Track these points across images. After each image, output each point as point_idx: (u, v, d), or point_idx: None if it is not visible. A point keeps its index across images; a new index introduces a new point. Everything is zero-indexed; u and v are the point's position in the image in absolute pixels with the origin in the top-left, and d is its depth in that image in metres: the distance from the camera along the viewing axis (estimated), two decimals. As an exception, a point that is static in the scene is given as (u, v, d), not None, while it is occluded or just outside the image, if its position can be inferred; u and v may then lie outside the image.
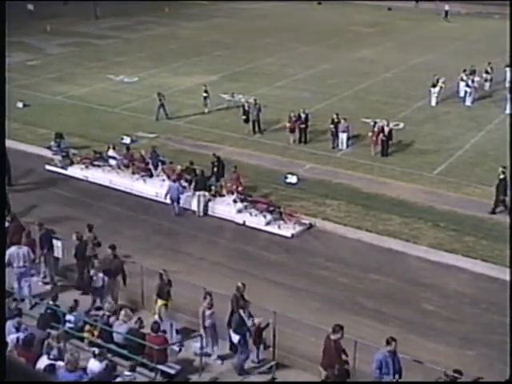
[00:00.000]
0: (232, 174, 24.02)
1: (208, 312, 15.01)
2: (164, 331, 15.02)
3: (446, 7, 59.51)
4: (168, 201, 23.39)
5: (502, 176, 22.60)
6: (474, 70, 36.11)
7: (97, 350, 13.43)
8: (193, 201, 23.60)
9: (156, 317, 15.82)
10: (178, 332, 15.64)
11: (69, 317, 15.41)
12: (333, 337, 13.63)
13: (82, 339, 15.07)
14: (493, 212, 22.69)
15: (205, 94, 33.31)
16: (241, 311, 14.95)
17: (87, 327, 15.25)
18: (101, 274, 16.80)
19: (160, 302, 16.16)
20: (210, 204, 23.48)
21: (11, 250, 17.26)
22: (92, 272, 16.86)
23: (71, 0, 63.46)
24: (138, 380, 13.40)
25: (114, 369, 13.20)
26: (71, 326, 15.29)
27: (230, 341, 15.23)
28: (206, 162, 25.27)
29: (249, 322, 14.95)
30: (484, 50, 45.20)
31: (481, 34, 53.13)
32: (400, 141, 29.18)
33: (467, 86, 34.75)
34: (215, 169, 24.60)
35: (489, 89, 36.64)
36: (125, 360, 13.96)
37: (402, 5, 65.02)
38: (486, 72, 36.68)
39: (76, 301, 15.86)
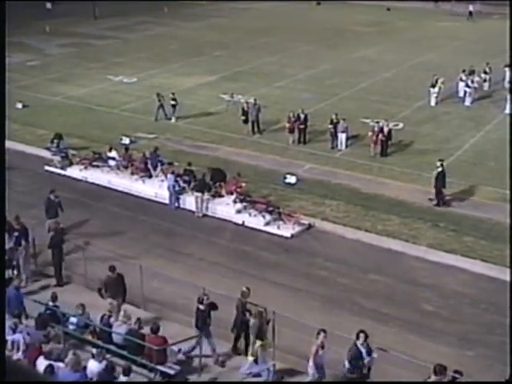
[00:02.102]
0: (231, 179, 23.97)
1: (321, 352, 13.96)
2: (259, 374, 14.57)
3: (470, 7, 59.76)
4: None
5: (439, 169, 23.29)
6: (473, 70, 36.10)
7: (95, 351, 13.41)
8: (191, 201, 23.62)
9: (250, 358, 14.77)
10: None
11: (72, 319, 15.35)
12: (433, 378, 12.76)
13: (81, 340, 15.06)
14: (437, 205, 23.29)
15: (173, 102, 32.29)
16: (358, 342, 13.72)
17: (89, 329, 15.21)
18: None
19: (258, 342, 14.83)
20: (210, 205, 23.47)
21: None
22: (202, 308, 15.28)
23: (58, 0, 62.94)
24: (137, 380, 13.39)
25: (113, 369, 13.18)
26: (73, 327, 15.26)
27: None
28: (205, 162, 25.27)
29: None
30: (483, 50, 45.18)
31: (480, 34, 53.13)
32: (399, 141, 29.17)
33: (467, 86, 34.75)
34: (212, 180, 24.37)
35: (488, 89, 36.63)
36: (124, 361, 13.96)
37: (401, 5, 65.02)
38: (485, 72, 36.67)
39: (83, 305, 15.67)
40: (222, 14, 63.29)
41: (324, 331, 13.89)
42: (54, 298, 15.81)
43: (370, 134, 28.29)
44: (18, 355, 12.99)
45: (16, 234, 18.26)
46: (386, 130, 27.98)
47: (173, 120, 32.36)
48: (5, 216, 18.23)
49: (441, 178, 23.19)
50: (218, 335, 15.77)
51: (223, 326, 15.89)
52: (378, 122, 28.74)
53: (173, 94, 32.69)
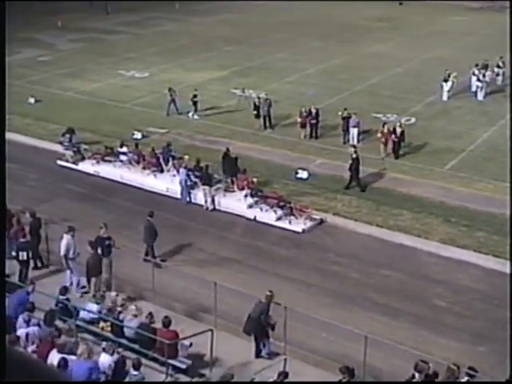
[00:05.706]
0: (241, 175, 23.99)
1: None
2: None
3: None
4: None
5: (354, 155, 24.23)
6: (486, 64, 35.82)
7: (105, 344, 13.46)
8: (200, 194, 23.68)
9: None
10: None
11: (92, 307, 15.42)
12: (417, 376, 12.25)
13: (94, 333, 15.12)
14: (347, 188, 24.32)
15: (195, 99, 31.82)
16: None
17: (101, 323, 15.28)
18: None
19: None
20: (219, 199, 23.47)
21: (68, 239, 17.55)
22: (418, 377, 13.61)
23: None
24: (147, 375, 13.42)
25: (124, 363, 13.23)
26: (90, 316, 15.32)
27: None
28: (216, 157, 25.28)
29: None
30: (496, 44, 44.80)
31: (493, 28, 52.71)
32: (411, 136, 29.00)
33: (478, 80, 34.53)
34: (225, 164, 24.53)
35: (501, 83, 36.39)
36: (136, 354, 14.00)
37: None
38: (498, 66, 36.42)
39: (102, 295, 15.77)
40: (232, 9, 63.15)
41: None
42: (64, 291, 15.72)
43: (379, 135, 27.38)
44: (31, 348, 13.04)
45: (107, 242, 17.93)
46: (398, 130, 27.06)
47: (196, 117, 32.09)
48: (5, 215, 18.21)
49: (354, 165, 24.00)
50: (236, 333, 15.83)
51: (235, 321, 15.92)
52: (385, 124, 27.92)
53: (195, 90, 32.39)
